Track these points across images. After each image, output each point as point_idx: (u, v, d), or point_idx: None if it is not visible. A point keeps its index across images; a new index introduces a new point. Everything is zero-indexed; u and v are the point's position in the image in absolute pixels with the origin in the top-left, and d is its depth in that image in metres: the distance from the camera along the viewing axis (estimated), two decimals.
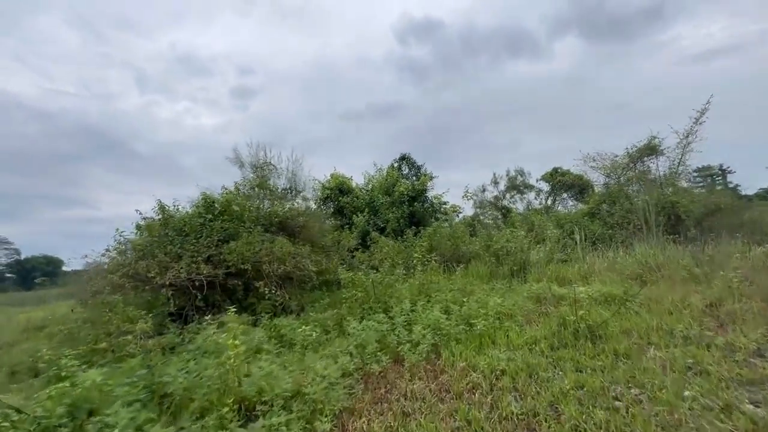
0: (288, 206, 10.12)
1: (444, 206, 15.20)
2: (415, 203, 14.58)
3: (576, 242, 10.76)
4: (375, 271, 10.35)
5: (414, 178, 16.70)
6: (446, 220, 11.93)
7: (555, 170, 23.37)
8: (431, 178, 15.69)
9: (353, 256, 12.94)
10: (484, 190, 22.22)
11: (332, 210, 16.62)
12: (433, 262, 8.37)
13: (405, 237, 12.61)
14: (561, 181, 21.98)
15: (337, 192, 16.51)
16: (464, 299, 6.52)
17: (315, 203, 16.93)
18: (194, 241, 7.32)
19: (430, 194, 15.57)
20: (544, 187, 23.65)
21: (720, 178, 27.47)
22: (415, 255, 8.24)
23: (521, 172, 23.76)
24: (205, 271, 6.74)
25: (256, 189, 10.53)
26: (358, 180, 17.36)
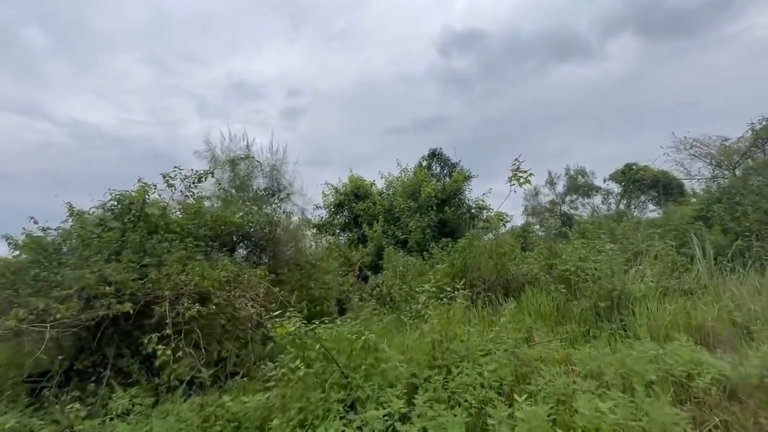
0: (264, 213, 7.27)
1: (486, 211, 11.69)
2: (447, 208, 11.23)
3: (697, 260, 6.82)
4: (379, 307, 7.18)
5: (447, 179, 13.37)
6: (489, 228, 8.58)
7: (629, 167, 18.83)
8: (468, 176, 12.26)
9: (363, 278, 9.84)
10: (537, 194, 18.30)
11: (344, 220, 13.73)
12: (460, 294, 5.01)
13: (431, 252, 9.32)
14: (638, 180, 17.48)
15: (353, 197, 13.64)
16: (518, 381, 3.20)
17: (327, 212, 14.18)
18: (87, 262, 4.65)
19: (467, 197, 12.15)
20: (614, 188, 19.15)
21: None
22: (425, 286, 4.95)
23: (582, 172, 19.48)
24: (67, 313, 3.97)
25: (233, 191, 7.90)
26: (381, 184, 14.42)
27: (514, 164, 4.19)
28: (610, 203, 18.94)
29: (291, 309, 4.83)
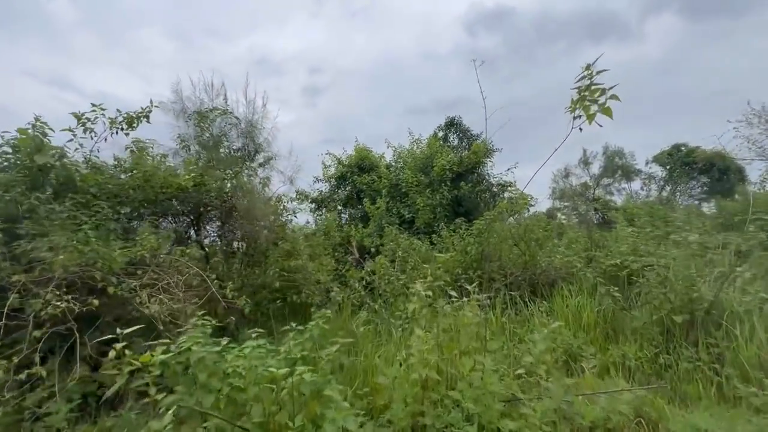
0: (221, 175, 5.75)
1: (509, 190, 9.87)
2: (462, 183, 9.48)
3: None
4: (369, 302, 5.69)
5: (467, 151, 11.53)
6: (512, 211, 6.88)
7: (676, 147, 16.44)
8: (491, 149, 10.39)
9: (360, 264, 8.35)
10: (567, 174, 16.22)
11: (346, 195, 12.15)
12: (473, 295, 3.40)
13: (441, 234, 7.71)
14: (688, 163, 15.16)
15: (357, 170, 12.01)
16: None
17: (328, 185, 12.63)
18: None
19: (487, 173, 10.32)
20: (657, 172, 16.85)
21: None
22: (417, 286, 3.34)
23: (620, 153, 17.17)
24: None
25: (200, 149, 6.42)
26: (390, 157, 12.69)
27: (584, 77, 2.32)
28: (650, 189, 16.72)
29: (229, 307, 3.35)
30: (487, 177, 10.11)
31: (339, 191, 12.30)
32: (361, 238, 9.43)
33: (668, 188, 15.10)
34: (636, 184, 17.07)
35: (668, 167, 16.00)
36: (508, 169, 9.85)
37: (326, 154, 12.65)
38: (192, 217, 5.60)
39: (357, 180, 11.25)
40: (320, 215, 11.67)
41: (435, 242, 8.22)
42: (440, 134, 12.71)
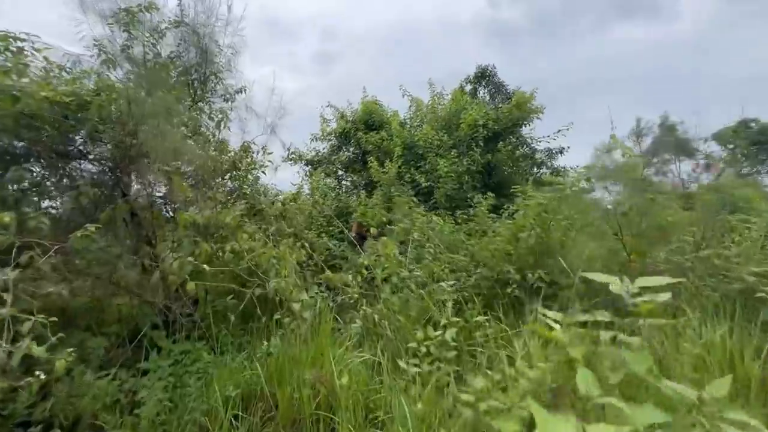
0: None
1: (557, 157, 7.60)
2: (501, 145, 7.24)
3: None
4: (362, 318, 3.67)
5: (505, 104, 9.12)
6: (562, 186, 4.75)
7: (744, 123, 13.83)
8: (535, 106, 7.97)
9: (360, 245, 6.33)
10: (609, 150, 13.77)
11: (348, 158, 9.97)
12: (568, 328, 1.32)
13: (473, 211, 5.60)
14: (760, 142, 12.64)
15: (363, 127, 9.76)
16: None
17: (328, 145, 10.44)
18: None
19: (530, 136, 8.01)
20: (717, 151, 14.27)
21: None
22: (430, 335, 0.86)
23: (672, 126, 14.51)
24: None
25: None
26: (405, 113, 10.34)
27: None
28: (698, 173, 14.19)
29: None
30: (530, 141, 7.82)
31: (341, 152, 10.12)
32: (364, 210, 7.35)
33: (742, 167, 12.62)
34: (685, 166, 14.53)
35: (733, 146, 13.45)
36: (559, 131, 7.54)
37: (327, 106, 10.38)
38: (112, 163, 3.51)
39: (363, 139, 9.02)
40: (318, 180, 9.55)
41: (460, 221, 6.13)
42: (468, 87, 10.30)
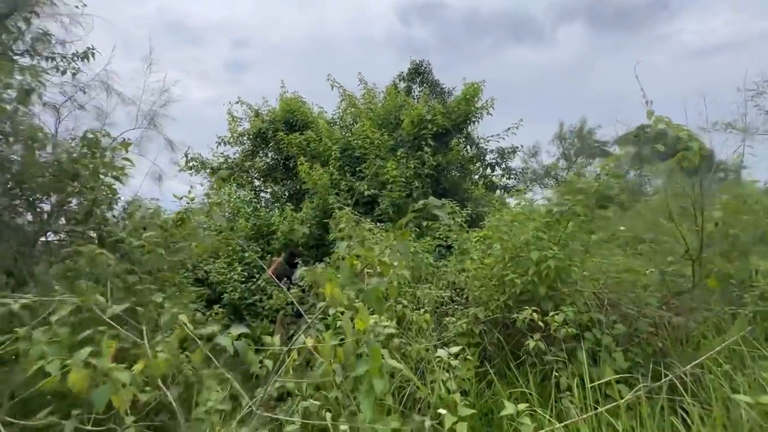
0: None
1: (512, 155, 6.86)
2: (455, 143, 6.22)
3: None
4: None
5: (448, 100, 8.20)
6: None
7: (642, 128, 15.28)
8: (485, 102, 7.17)
9: (293, 265, 4.72)
10: (536, 153, 14.00)
11: (269, 163, 8.22)
12: None
13: (437, 223, 4.40)
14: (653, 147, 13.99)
15: (283, 127, 8.08)
16: None
17: (239, 149, 8.52)
18: None
19: (477, 132, 7.17)
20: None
21: None
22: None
23: (591, 132, 15.32)
24: None
25: None
26: (332, 110, 8.88)
27: None
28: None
29: None
30: (478, 141, 6.98)
31: (256, 158, 8.27)
32: (289, 228, 5.71)
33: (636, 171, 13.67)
34: (591, 168, 15.53)
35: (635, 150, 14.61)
36: (509, 129, 6.82)
37: (236, 103, 8.45)
38: None
39: (284, 140, 7.35)
40: (228, 192, 7.56)
41: (418, 237, 4.92)
42: (402, 85, 9.29)
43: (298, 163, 6.08)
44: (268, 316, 4.95)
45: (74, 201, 2.76)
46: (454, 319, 2.82)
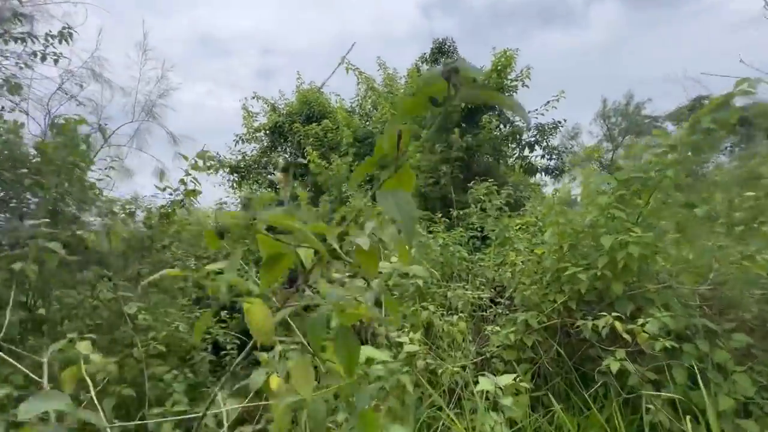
0: None
1: (554, 131, 6.01)
2: (483, 122, 5.50)
3: None
4: None
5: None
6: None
7: (698, 101, 13.63)
8: (522, 72, 6.34)
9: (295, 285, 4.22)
10: (575, 135, 12.74)
11: (285, 161, 7.83)
12: None
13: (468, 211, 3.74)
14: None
15: (302, 119, 7.67)
16: None
17: (257, 145, 8.20)
18: None
19: (508, 112, 6.38)
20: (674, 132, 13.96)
21: None
22: None
23: (640, 107, 13.66)
24: None
25: None
26: (351, 98, 8.36)
27: None
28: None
29: None
30: (512, 118, 6.18)
31: (273, 153, 7.91)
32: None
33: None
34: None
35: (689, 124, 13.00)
36: (548, 103, 5.97)
37: (252, 98, 8.12)
38: None
39: (299, 132, 6.91)
40: (250, 190, 7.24)
41: (446, 228, 4.27)
42: (424, 67, 8.60)
43: (308, 153, 5.58)
44: None
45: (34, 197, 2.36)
46: (497, 327, 2.17)
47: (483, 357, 2.14)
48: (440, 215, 4.43)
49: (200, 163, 2.45)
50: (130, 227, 2.75)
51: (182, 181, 2.41)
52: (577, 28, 34.98)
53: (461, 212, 4.58)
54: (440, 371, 1.80)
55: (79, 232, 2.37)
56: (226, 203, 7.15)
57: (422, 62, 8.89)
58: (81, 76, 3.63)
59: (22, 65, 3.46)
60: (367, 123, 6.88)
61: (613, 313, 1.83)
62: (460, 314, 2.16)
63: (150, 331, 2.29)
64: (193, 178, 2.44)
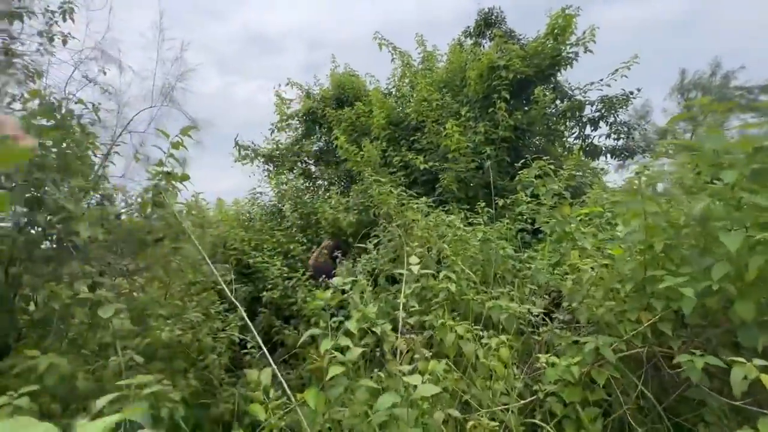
0: None
1: (625, 105, 5.05)
2: (536, 94, 4.69)
3: None
4: None
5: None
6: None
7: None
8: (583, 36, 5.35)
9: (322, 277, 3.80)
10: (644, 115, 11.09)
11: (319, 148, 7.51)
12: None
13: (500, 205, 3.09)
14: None
15: (335, 104, 7.29)
16: None
17: (290, 135, 7.96)
18: None
19: (566, 82, 5.46)
20: None
21: None
22: None
23: (729, 77, 11.54)
24: None
25: None
26: (386, 81, 7.82)
27: None
28: None
29: None
30: (571, 90, 5.28)
31: (305, 142, 7.60)
32: (333, 216, 4.85)
33: None
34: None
35: None
36: (616, 71, 4.99)
37: (286, 85, 7.84)
38: None
39: (330, 116, 6.51)
40: (281, 180, 7.00)
41: (489, 220, 3.67)
42: (468, 41, 7.81)
43: (335, 137, 5.14)
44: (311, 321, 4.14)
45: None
46: (554, 358, 1.57)
47: (534, 397, 1.56)
48: (483, 204, 3.81)
49: (183, 140, 2.08)
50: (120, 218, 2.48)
51: (160, 163, 2.05)
52: (645, 3, 31.24)
53: (508, 201, 3.93)
54: (469, 425, 1.27)
55: (57, 225, 2.11)
56: (260, 194, 7.03)
57: (466, 36, 8.09)
58: (97, 58, 3.45)
59: (43, 51, 3.34)
60: (403, 106, 6.30)
61: (757, 361, 1.16)
62: (504, 338, 1.59)
63: (129, 339, 1.99)
64: (175, 158, 2.08)
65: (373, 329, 1.54)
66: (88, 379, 1.84)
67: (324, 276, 3.98)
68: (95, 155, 2.82)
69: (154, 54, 4.06)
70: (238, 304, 2.30)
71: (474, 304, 2.14)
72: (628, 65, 4.98)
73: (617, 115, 5.01)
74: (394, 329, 1.64)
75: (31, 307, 2.37)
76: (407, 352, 1.48)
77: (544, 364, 1.58)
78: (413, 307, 1.79)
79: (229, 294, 2.31)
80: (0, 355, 2.47)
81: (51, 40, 3.04)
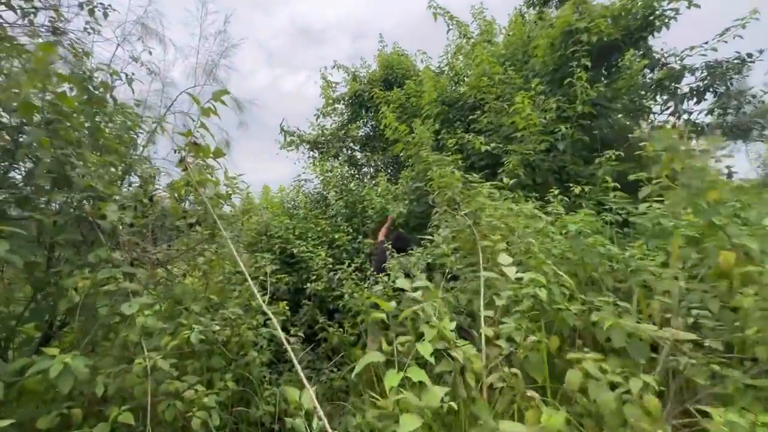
0: None
1: (741, 67, 4.14)
2: (626, 60, 3.94)
3: None
4: None
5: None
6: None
7: None
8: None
9: (379, 268, 3.40)
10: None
11: (366, 134, 7.14)
12: None
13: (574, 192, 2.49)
14: None
15: (383, 86, 6.86)
16: None
17: (338, 116, 7.67)
18: None
19: (660, 48, 4.61)
20: None
21: None
22: None
23: None
24: None
25: None
26: (438, 59, 7.24)
27: None
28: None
29: None
30: (665, 57, 4.42)
31: (351, 125, 7.26)
32: (382, 206, 4.47)
33: None
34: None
35: None
36: (727, 31, 4.07)
37: (332, 67, 7.52)
38: None
39: (380, 97, 6.08)
40: (325, 166, 6.72)
41: (566, 210, 3.09)
42: (531, 12, 6.98)
43: (383, 117, 4.68)
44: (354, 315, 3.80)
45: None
46: (720, 412, 1.04)
47: None
48: (556, 192, 3.23)
49: (215, 107, 1.75)
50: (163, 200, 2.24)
51: (188, 133, 1.73)
52: None
53: (585, 189, 3.31)
54: None
55: (86, 207, 1.88)
56: (305, 181, 6.79)
57: (528, 6, 7.25)
58: (139, 34, 3.29)
59: (90, 30, 3.23)
60: (458, 85, 5.73)
61: None
62: (647, 377, 1.09)
63: (159, 338, 1.74)
64: (206, 127, 1.76)
65: (451, 352, 1.11)
66: (109, 384, 1.59)
67: (396, 236, 3.45)
68: (136, 135, 2.63)
69: (196, 30, 3.86)
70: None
71: (568, 316, 1.64)
72: (743, 23, 4.04)
73: (731, 84, 4.09)
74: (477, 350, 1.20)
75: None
76: (501, 389, 1.05)
77: (707, 425, 1.06)
78: (503, 322, 1.34)
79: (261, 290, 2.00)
80: (45, 341, 2.36)
81: (92, 12, 2.88)
